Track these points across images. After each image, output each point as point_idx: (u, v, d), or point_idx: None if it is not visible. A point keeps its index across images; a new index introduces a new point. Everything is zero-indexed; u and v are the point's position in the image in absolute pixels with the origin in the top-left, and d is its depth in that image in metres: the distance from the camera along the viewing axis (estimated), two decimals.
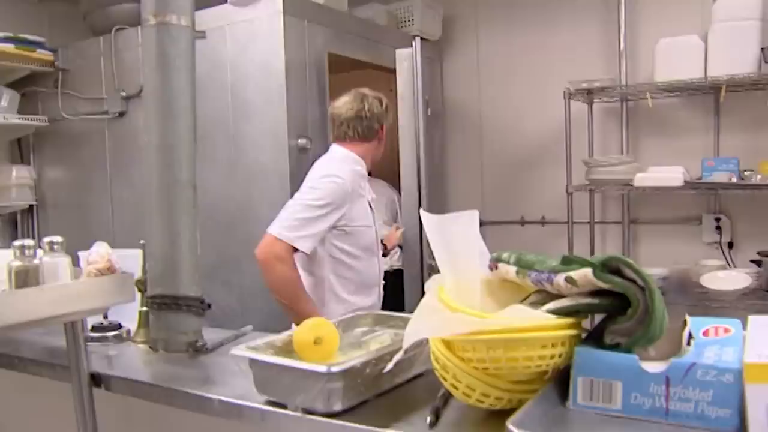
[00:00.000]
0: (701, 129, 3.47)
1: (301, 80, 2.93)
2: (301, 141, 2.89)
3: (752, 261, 3.12)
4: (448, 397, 1.02)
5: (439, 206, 3.93)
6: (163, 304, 1.43)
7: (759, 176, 3.11)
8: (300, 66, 2.95)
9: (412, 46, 3.23)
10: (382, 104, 2.36)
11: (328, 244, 2.21)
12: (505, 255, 1.10)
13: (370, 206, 2.36)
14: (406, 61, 3.26)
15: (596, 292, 0.93)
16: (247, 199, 2.93)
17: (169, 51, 1.40)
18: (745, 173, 3.14)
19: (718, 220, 3.45)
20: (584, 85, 3.42)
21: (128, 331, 1.60)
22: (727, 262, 3.38)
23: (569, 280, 0.94)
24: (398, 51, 3.30)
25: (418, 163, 3.26)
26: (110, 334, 1.55)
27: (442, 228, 1.07)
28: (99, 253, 1.32)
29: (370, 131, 2.33)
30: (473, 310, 0.93)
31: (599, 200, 3.71)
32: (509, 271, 1.08)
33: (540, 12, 3.79)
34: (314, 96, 3.01)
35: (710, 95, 3.38)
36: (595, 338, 0.95)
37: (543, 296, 1.05)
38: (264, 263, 2.10)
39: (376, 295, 2.35)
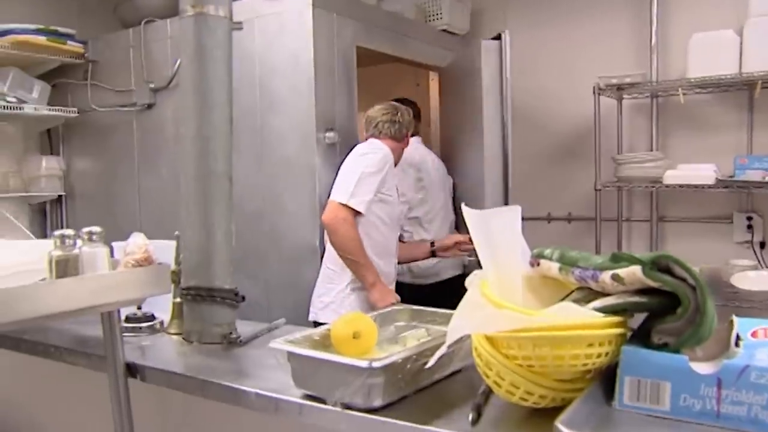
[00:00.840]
0: (734, 126, 3.40)
1: (329, 74, 2.91)
2: (329, 135, 2.87)
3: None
4: (488, 393, 1.01)
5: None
6: (197, 296, 1.43)
7: None
8: (328, 59, 2.94)
9: (499, 37, 3.26)
10: (410, 115, 2.82)
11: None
12: (547, 251, 1.08)
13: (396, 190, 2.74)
14: (493, 53, 3.26)
15: (643, 291, 0.91)
16: (274, 193, 2.92)
17: (207, 42, 1.39)
18: None
19: (750, 219, 3.39)
20: (614, 81, 3.38)
21: (162, 323, 1.60)
22: (759, 262, 3.32)
23: (616, 277, 0.92)
24: (484, 42, 3.28)
25: (505, 157, 3.30)
26: (144, 324, 1.55)
27: (484, 223, 1.06)
28: (137, 243, 1.32)
29: (400, 134, 2.75)
30: (516, 306, 0.91)
31: (626, 197, 3.66)
32: (551, 267, 1.06)
33: (569, 5, 3.74)
34: (343, 89, 2.99)
35: (743, 91, 3.32)
36: (641, 337, 0.93)
37: (586, 293, 1.04)
38: (331, 226, 2.47)
39: (393, 266, 2.71)
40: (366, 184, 2.48)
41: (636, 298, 0.91)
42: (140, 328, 1.54)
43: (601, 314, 0.90)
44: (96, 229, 1.20)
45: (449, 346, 0.95)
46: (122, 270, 1.25)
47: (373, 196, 2.50)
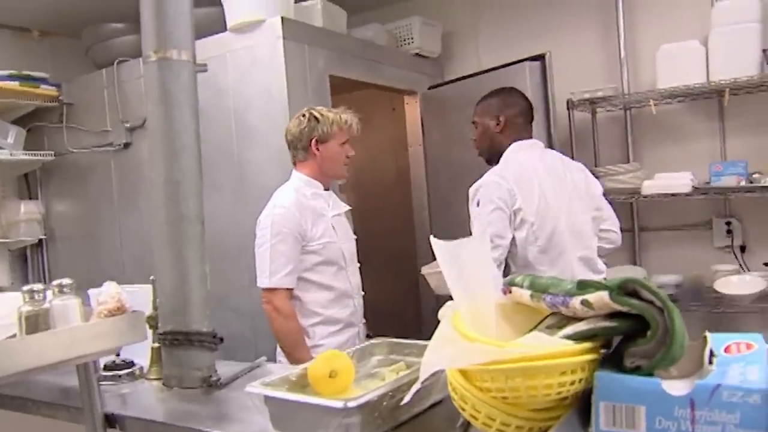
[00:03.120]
0: (707, 133, 3.45)
1: (303, 104, 2.90)
2: None
3: (766, 264, 3.09)
4: (467, 426, 1.00)
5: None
6: (174, 341, 1.42)
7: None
8: (302, 90, 2.96)
9: (541, 57, 3.29)
10: (306, 118, 2.40)
11: None
12: (518, 279, 1.09)
13: (338, 222, 2.46)
14: (536, 72, 3.28)
15: (613, 315, 0.92)
16: (255, 226, 2.92)
17: (171, 87, 1.40)
18: (754, 176, 3.13)
19: (728, 224, 3.42)
20: (586, 95, 3.42)
21: (141, 369, 1.59)
22: (740, 265, 3.35)
23: (585, 303, 0.93)
24: (529, 64, 3.29)
25: None
26: (123, 372, 1.54)
27: (453, 254, 1.06)
28: (109, 293, 1.31)
29: (305, 150, 2.41)
30: (489, 336, 0.91)
31: None
32: (523, 295, 1.07)
33: (539, 24, 3.79)
34: None
35: (713, 99, 3.37)
36: (614, 361, 0.93)
37: (559, 319, 1.04)
38: (266, 315, 2.30)
39: (352, 307, 2.43)
40: (280, 255, 2.26)
41: (606, 323, 0.91)
42: (119, 375, 1.53)
43: (572, 341, 0.90)
44: (66, 281, 1.19)
45: (424, 381, 0.95)
46: (95, 321, 1.24)
47: (295, 264, 2.29)
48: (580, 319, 0.99)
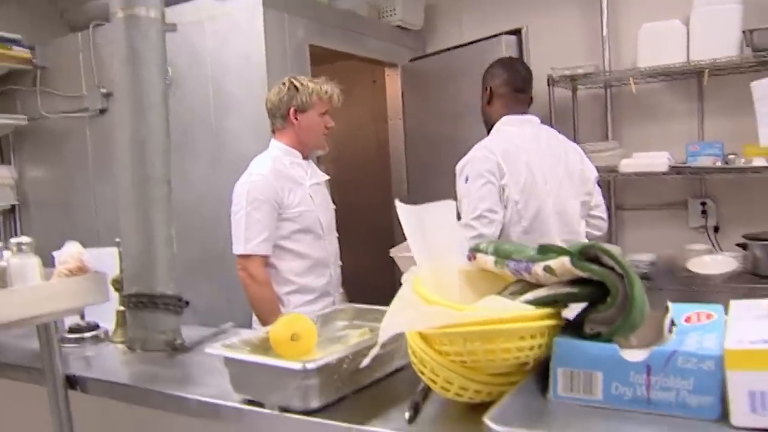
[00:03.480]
0: (685, 114, 3.46)
1: (282, 73, 2.88)
2: None
3: (738, 245, 3.12)
4: (427, 391, 1.00)
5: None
6: (139, 303, 1.40)
7: (743, 159, 3.11)
8: (281, 59, 2.92)
9: (517, 32, 3.26)
10: (285, 86, 2.38)
11: None
12: (483, 245, 1.08)
13: (317, 191, 2.45)
14: (513, 47, 3.25)
15: (575, 281, 0.92)
16: (231, 194, 2.90)
17: (139, 46, 1.36)
18: (730, 157, 3.15)
19: (703, 204, 3.45)
20: (567, 72, 3.41)
21: (106, 332, 1.57)
22: (713, 245, 3.38)
23: (547, 269, 0.92)
24: (505, 38, 3.25)
25: None
26: (87, 334, 1.52)
27: (418, 219, 1.05)
28: (69, 252, 1.28)
29: (283, 119, 2.39)
30: (452, 301, 0.91)
31: None
32: (487, 261, 1.06)
33: None
34: None
35: (693, 80, 3.38)
36: (575, 328, 0.93)
37: (522, 286, 1.04)
38: (241, 283, 2.30)
39: (328, 276, 2.42)
40: (256, 223, 2.26)
41: (567, 289, 0.91)
42: (83, 338, 1.51)
43: (533, 306, 0.90)
44: (25, 239, 1.17)
45: (386, 345, 0.95)
46: (54, 281, 1.22)
47: (271, 231, 2.28)
48: (543, 286, 0.99)
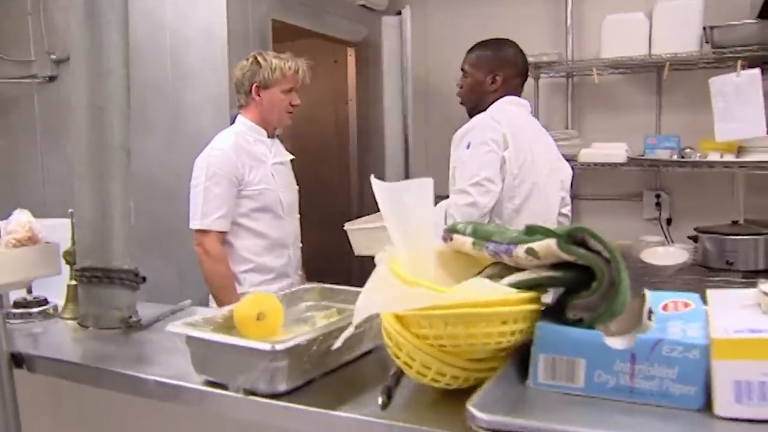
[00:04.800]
0: (643, 106, 3.52)
1: (244, 47, 2.81)
2: None
3: (689, 237, 3.18)
4: (400, 375, 0.96)
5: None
6: (93, 277, 1.32)
7: (698, 154, 3.17)
8: (243, 33, 2.85)
9: (399, 14, 3.10)
10: (249, 61, 2.34)
11: None
12: (460, 226, 1.04)
13: (279, 170, 2.41)
14: (393, 29, 3.14)
15: (557, 265, 0.89)
16: (188, 169, 2.78)
17: (98, 1, 1.27)
18: (686, 151, 3.20)
19: (658, 196, 3.52)
20: (531, 59, 3.39)
21: (55, 307, 1.47)
22: (666, 237, 3.45)
23: (530, 251, 0.89)
24: (384, 18, 3.17)
25: (406, 135, 3.21)
26: (35, 310, 1.41)
27: (394, 196, 1.01)
28: (18, 221, 1.20)
29: (246, 94, 2.35)
30: (429, 282, 0.87)
31: None
32: (465, 242, 1.02)
33: None
34: None
35: (653, 73, 3.43)
36: (555, 313, 0.90)
37: (500, 269, 1.01)
38: (198, 260, 2.26)
39: (286, 257, 2.39)
40: (214, 198, 2.21)
41: (550, 273, 0.88)
42: (30, 314, 1.41)
43: (515, 290, 0.87)
44: None
45: (357, 327, 0.90)
46: (1, 250, 1.14)
47: (229, 207, 2.24)
48: (522, 269, 0.96)
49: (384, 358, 0.98)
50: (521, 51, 2.46)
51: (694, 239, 3.14)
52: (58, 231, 1.41)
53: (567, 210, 2.52)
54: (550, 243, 0.85)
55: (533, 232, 0.87)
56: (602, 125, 3.59)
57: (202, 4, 2.80)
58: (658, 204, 3.52)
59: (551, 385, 0.86)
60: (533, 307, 0.87)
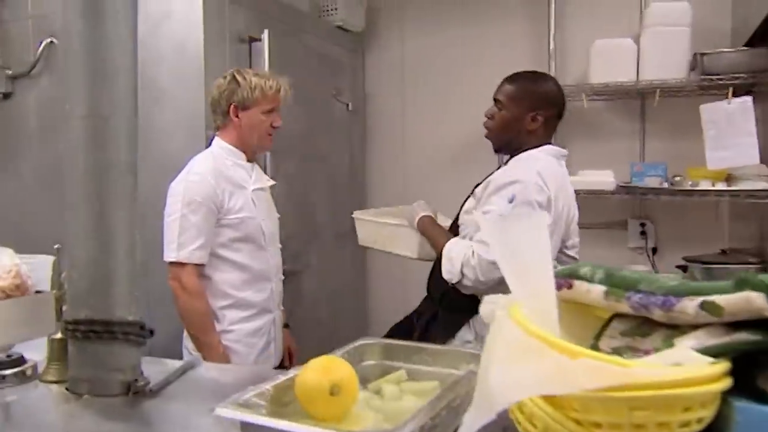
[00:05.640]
0: (627, 133, 3.45)
1: (220, 65, 2.59)
2: None
3: (678, 266, 3.08)
4: None
5: (358, 204, 3.71)
6: (90, 332, 1.02)
7: (690, 182, 3.09)
8: (220, 50, 2.62)
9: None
10: (226, 80, 2.15)
11: None
12: (584, 270, 0.84)
13: (260, 197, 2.23)
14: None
15: (748, 325, 0.69)
16: (156, 194, 2.51)
17: None
18: (676, 179, 3.13)
19: (643, 225, 3.44)
20: None
21: (35, 367, 1.17)
22: (652, 266, 3.38)
23: (709, 307, 0.69)
24: None
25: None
26: (8, 372, 1.11)
27: (503, 233, 0.80)
28: (3, 266, 0.92)
29: (224, 115, 2.16)
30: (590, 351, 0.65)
31: None
32: (592, 291, 0.82)
33: (468, 7, 3.65)
34: None
35: (636, 100, 3.38)
36: (739, 388, 0.70)
37: (634, 326, 0.81)
38: (173, 295, 2.05)
39: (269, 291, 2.21)
40: (191, 227, 2.02)
41: (746, 336, 0.68)
42: (3, 377, 1.10)
43: (710, 359, 0.66)
44: None
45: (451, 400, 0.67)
46: None
47: (207, 237, 2.04)
48: (672, 327, 0.76)
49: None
50: (561, 89, 2.22)
51: (683, 268, 3.04)
52: (34, 272, 1.13)
53: (575, 252, 2.27)
54: (753, 297, 0.65)
55: (743, 285, 0.67)
56: (586, 152, 3.49)
57: (177, 19, 2.58)
58: (643, 233, 3.44)
59: None
60: (726, 383, 0.66)
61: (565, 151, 2.20)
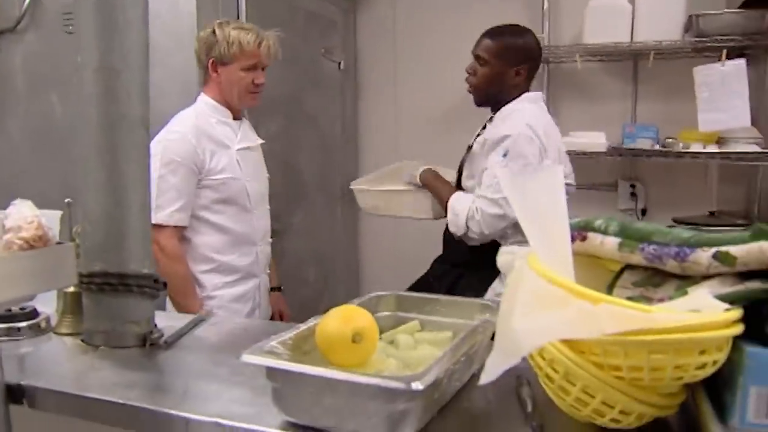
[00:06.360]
0: (618, 95, 3.43)
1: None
2: None
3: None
4: (534, 406, 0.77)
5: (351, 164, 3.70)
6: (105, 285, 1.03)
7: (681, 144, 3.11)
8: (212, 7, 2.57)
9: None
10: (205, 33, 2.07)
11: None
12: (599, 222, 0.86)
13: (246, 156, 2.14)
14: None
15: (758, 274, 0.71)
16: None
17: None
18: (668, 141, 3.14)
19: (633, 186, 3.45)
20: None
21: (48, 319, 1.18)
22: None
23: (722, 257, 0.71)
24: None
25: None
26: (22, 324, 1.11)
27: (520, 188, 0.81)
28: (22, 216, 0.91)
29: (204, 70, 2.09)
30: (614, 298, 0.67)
31: None
32: (606, 243, 0.84)
33: None
34: None
35: (629, 62, 3.35)
36: (750, 335, 0.72)
37: (644, 277, 0.83)
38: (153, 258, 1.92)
39: (254, 255, 2.12)
40: (170, 188, 1.93)
41: (759, 284, 0.70)
42: (18, 329, 1.11)
43: (726, 305, 0.68)
44: None
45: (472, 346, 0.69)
46: (6, 255, 0.86)
47: (188, 198, 1.96)
48: (683, 278, 0.78)
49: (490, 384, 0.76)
50: (539, 41, 2.32)
51: None
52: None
53: (571, 179, 2.42)
54: (767, 247, 0.67)
55: (761, 233, 0.68)
56: (577, 113, 3.49)
57: None
58: (633, 194, 3.45)
59: (764, 425, 0.68)
60: (738, 328, 0.68)
61: (540, 94, 2.33)
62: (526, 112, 2.13)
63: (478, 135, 2.33)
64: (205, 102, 2.09)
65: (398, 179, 2.36)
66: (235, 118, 2.12)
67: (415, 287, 2.30)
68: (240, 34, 2.01)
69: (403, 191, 2.32)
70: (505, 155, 2.00)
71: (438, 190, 2.23)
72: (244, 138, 2.13)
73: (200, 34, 2.07)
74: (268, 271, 2.25)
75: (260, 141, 2.24)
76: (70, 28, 2.63)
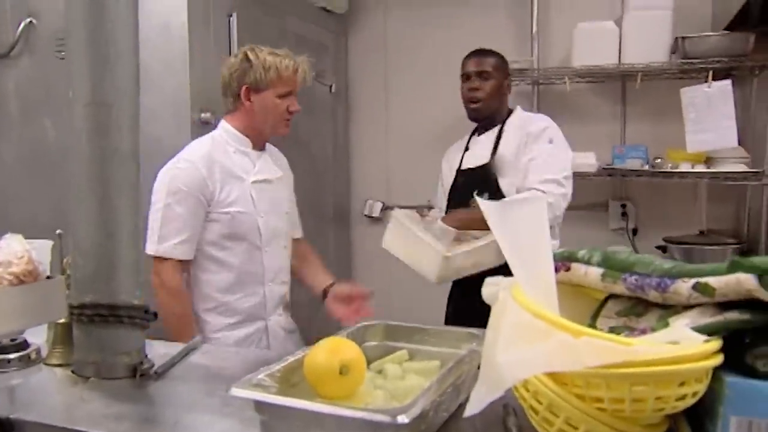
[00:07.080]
0: (607, 116, 3.48)
1: (206, 47, 2.56)
2: (205, 115, 2.52)
3: (657, 247, 3.14)
4: None
5: (341, 187, 3.72)
6: (96, 316, 1.04)
7: (670, 164, 3.15)
8: (204, 31, 2.59)
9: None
10: (238, 59, 1.98)
11: None
12: (581, 253, 0.87)
13: (263, 189, 2.05)
14: None
15: (737, 305, 0.73)
16: (142, 178, 2.52)
17: None
18: (656, 161, 3.18)
19: (624, 206, 3.48)
20: None
21: (38, 351, 1.18)
22: (633, 248, 3.42)
23: (702, 288, 0.73)
24: None
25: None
26: (12, 356, 1.12)
27: (504, 217, 0.83)
28: (13, 250, 0.93)
29: (234, 98, 1.99)
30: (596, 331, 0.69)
31: None
32: (589, 273, 0.85)
33: None
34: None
35: (618, 83, 3.40)
36: (728, 365, 0.74)
37: (628, 306, 0.84)
38: (153, 291, 1.88)
39: (260, 296, 2.01)
40: (175, 219, 1.86)
41: (736, 315, 0.71)
42: (8, 360, 1.11)
43: (705, 337, 0.69)
44: None
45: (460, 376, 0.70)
46: None
47: (193, 231, 1.89)
48: (665, 307, 0.79)
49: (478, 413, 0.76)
50: None
51: (663, 249, 3.10)
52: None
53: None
54: (745, 279, 0.69)
55: (736, 267, 0.70)
56: (567, 134, 3.50)
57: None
58: (624, 214, 3.48)
59: None
60: (718, 359, 0.70)
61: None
62: (539, 114, 2.53)
63: (463, 156, 2.45)
64: (225, 129, 2.03)
65: (430, 236, 2.09)
66: (255, 148, 2.05)
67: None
68: (276, 59, 1.95)
69: (488, 243, 2.05)
70: (551, 141, 2.33)
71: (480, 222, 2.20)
72: (262, 170, 2.05)
73: (231, 61, 2.00)
74: (280, 313, 2.12)
75: (279, 174, 2.13)
76: (63, 53, 2.65)
